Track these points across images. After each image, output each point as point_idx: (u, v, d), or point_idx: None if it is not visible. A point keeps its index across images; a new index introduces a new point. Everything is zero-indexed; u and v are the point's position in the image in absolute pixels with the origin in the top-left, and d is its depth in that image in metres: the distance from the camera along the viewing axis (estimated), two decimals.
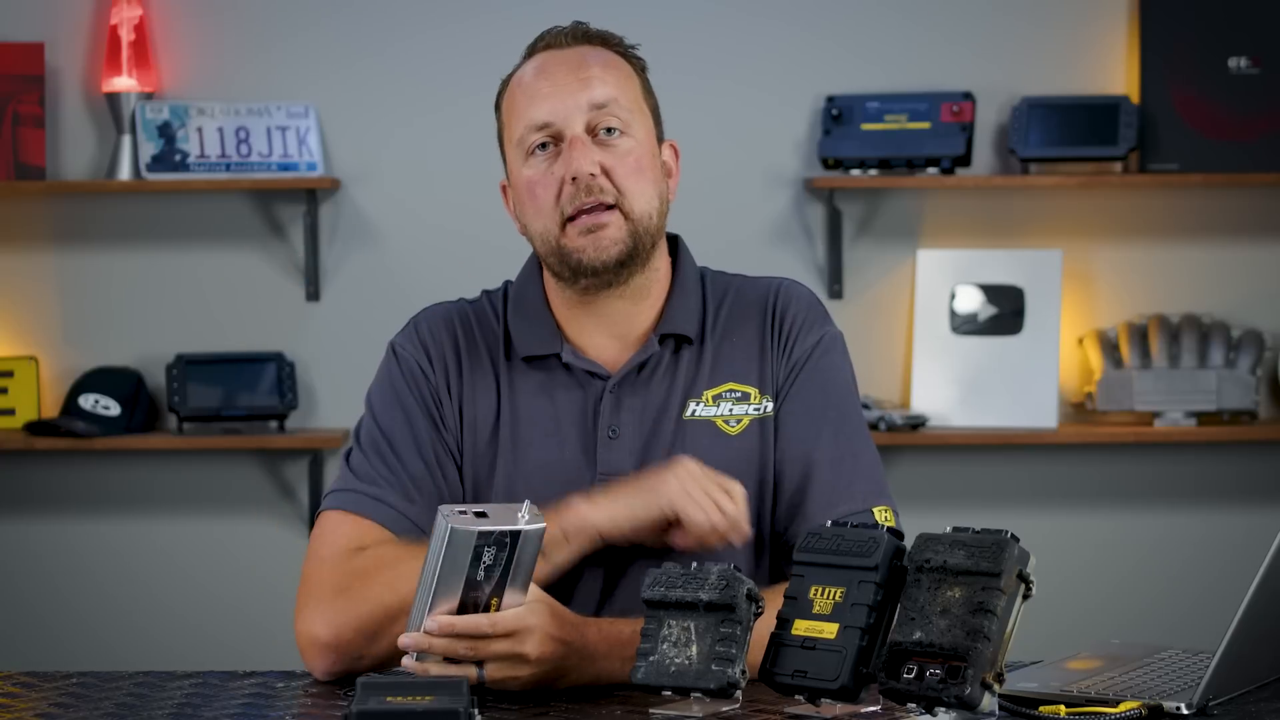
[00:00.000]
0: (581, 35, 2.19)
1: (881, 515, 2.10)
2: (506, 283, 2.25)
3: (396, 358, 2.19)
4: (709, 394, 2.16)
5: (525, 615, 1.88)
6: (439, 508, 1.86)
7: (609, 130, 2.12)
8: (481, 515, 1.85)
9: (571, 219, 2.11)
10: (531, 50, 2.20)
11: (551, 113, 2.12)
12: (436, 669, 1.86)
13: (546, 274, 2.20)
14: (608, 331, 2.17)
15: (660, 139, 2.20)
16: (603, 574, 2.11)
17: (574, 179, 2.09)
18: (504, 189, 2.22)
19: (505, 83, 2.21)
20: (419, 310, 2.25)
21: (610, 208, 2.11)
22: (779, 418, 2.15)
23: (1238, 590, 1.82)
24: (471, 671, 1.86)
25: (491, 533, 1.84)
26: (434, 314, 2.22)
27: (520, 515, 1.86)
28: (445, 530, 1.83)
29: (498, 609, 1.88)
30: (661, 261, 2.19)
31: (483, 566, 1.85)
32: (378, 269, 4.31)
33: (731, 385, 2.17)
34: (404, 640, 1.87)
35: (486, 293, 2.25)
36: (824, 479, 2.12)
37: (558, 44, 2.18)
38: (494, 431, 2.16)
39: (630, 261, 2.12)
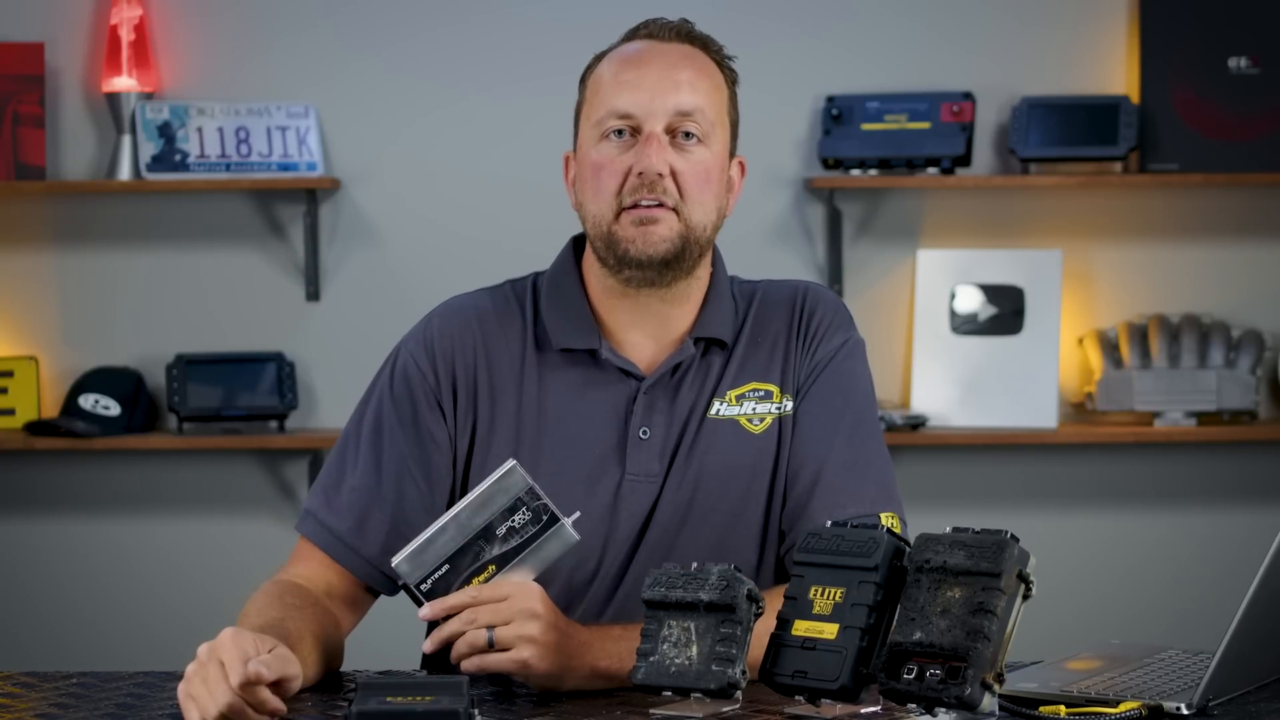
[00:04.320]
0: (685, 34, 2.17)
1: (887, 520, 2.09)
2: (535, 275, 2.24)
3: (394, 362, 2.18)
4: (732, 394, 2.15)
5: (523, 581, 1.92)
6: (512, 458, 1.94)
7: (687, 135, 2.11)
8: (543, 492, 1.92)
9: (627, 209, 2.10)
10: (631, 35, 2.18)
11: (636, 105, 2.10)
12: (456, 647, 1.90)
13: (587, 265, 2.19)
14: (645, 330, 2.17)
15: (733, 153, 2.20)
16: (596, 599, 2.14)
17: (640, 174, 2.09)
18: (567, 160, 2.20)
19: (597, 58, 2.18)
20: (439, 303, 2.22)
21: (667, 208, 2.10)
22: (796, 416, 2.15)
23: (1238, 590, 1.82)
24: (481, 633, 1.88)
25: (539, 497, 1.91)
26: (449, 310, 2.20)
27: (570, 516, 1.92)
28: (506, 467, 1.90)
29: (488, 580, 1.91)
30: (705, 271, 2.19)
31: (508, 525, 1.90)
32: (378, 269, 4.31)
33: (755, 384, 2.16)
34: (427, 647, 1.92)
35: (511, 283, 2.23)
36: (833, 481, 2.12)
37: (660, 36, 2.16)
38: (516, 425, 2.14)
39: (675, 264, 2.12)
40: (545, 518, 1.91)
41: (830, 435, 2.14)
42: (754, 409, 2.15)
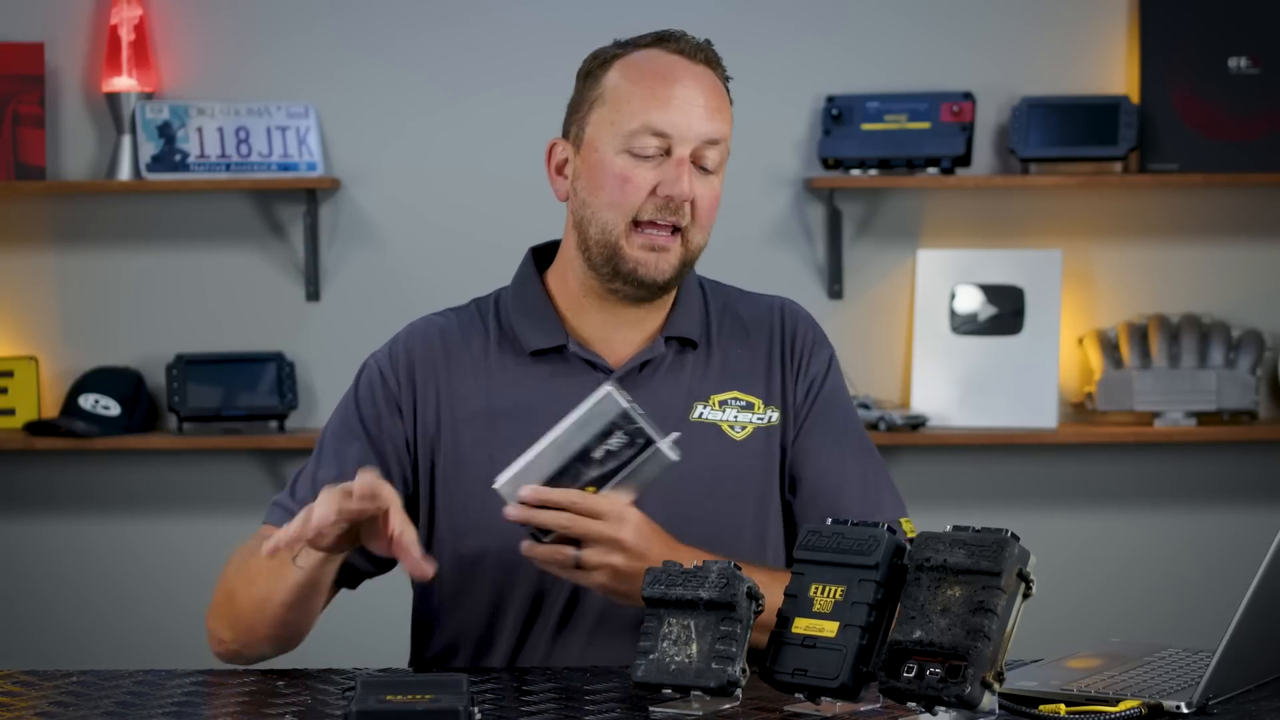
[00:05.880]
0: (708, 58, 2.18)
1: (908, 526, 2.18)
2: (499, 290, 2.27)
3: (361, 372, 2.24)
4: (715, 399, 2.19)
5: (623, 505, 1.96)
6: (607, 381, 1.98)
7: (704, 169, 2.15)
8: (642, 415, 1.94)
9: (642, 226, 2.12)
10: (658, 42, 2.17)
11: (674, 126, 2.12)
12: (543, 550, 1.96)
13: (554, 272, 2.22)
14: (615, 330, 2.19)
15: None
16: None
17: (669, 196, 2.11)
18: (553, 147, 2.21)
19: (614, 56, 2.17)
20: (413, 319, 2.27)
21: (676, 231, 2.13)
22: (803, 437, 2.20)
23: (1238, 589, 1.82)
24: (569, 551, 1.95)
25: (635, 421, 1.94)
26: (414, 328, 2.25)
27: (668, 437, 1.95)
28: (601, 392, 1.94)
29: None
30: None
31: (604, 448, 1.94)
32: (378, 269, 4.31)
33: (736, 394, 2.20)
34: (510, 512, 1.96)
35: (477, 301, 2.27)
36: (855, 494, 2.18)
37: (689, 55, 2.16)
38: (487, 422, 2.16)
39: (670, 286, 2.17)
40: (641, 441, 1.94)
41: (841, 453, 2.20)
42: (735, 416, 2.19)
